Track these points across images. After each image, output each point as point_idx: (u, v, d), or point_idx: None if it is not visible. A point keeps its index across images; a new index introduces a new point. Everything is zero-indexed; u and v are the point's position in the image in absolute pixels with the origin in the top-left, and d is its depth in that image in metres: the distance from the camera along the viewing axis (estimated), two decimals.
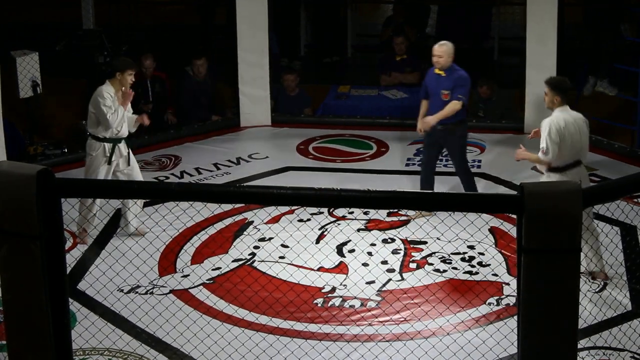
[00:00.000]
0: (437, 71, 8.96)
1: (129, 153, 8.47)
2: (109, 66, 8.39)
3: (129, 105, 8.47)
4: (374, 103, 11.66)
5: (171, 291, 7.62)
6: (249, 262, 8.07)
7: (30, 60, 10.12)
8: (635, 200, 8.99)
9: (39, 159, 10.10)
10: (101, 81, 10.98)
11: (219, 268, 7.97)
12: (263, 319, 7.20)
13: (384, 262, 8.03)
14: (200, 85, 11.35)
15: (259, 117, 11.31)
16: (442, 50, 8.90)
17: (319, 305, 7.42)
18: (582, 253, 7.65)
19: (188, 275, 7.88)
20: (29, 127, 10.44)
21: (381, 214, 8.67)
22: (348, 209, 8.76)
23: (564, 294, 4.67)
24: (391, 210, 8.68)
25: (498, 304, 7.39)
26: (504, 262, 8.00)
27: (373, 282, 7.69)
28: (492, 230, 8.53)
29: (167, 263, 8.06)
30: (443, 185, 9.31)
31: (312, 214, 8.79)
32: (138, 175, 8.57)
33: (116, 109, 8.28)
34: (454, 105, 8.80)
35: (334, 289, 7.64)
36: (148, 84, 11.11)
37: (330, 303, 7.44)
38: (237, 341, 6.77)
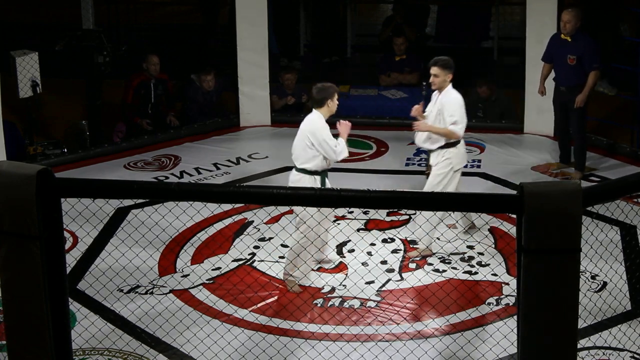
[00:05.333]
0: (563, 36, 9.43)
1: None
2: (315, 99, 7.72)
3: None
4: (374, 103, 11.66)
5: (171, 291, 7.62)
6: (248, 262, 8.07)
7: (30, 60, 10.13)
8: (635, 200, 8.99)
9: (38, 159, 10.10)
10: (100, 81, 11.14)
11: (218, 268, 7.97)
12: (263, 319, 7.21)
13: (384, 262, 8.03)
14: (205, 96, 11.36)
15: (259, 117, 11.32)
16: (571, 16, 9.37)
17: (319, 305, 7.42)
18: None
19: (188, 275, 7.88)
20: (28, 127, 10.45)
21: (381, 214, 8.67)
22: (348, 208, 8.76)
23: (564, 294, 4.67)
24: (391, 210, 8.68)
25: (498, 304, 7.39)
26: (504, 262, 8.00)
27: (372, 282, 7.69)
28: (492, 230, 8.53)
29: (167, 263, 8.06)
30: None
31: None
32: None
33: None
34: (595, 76, 9.38)
35: (333, 289, 7.63)
36: (151, 86, 11.11)
37: (330, 303, 7.44)
38: (237, 341, 6.77)
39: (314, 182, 7.60)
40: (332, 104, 7.75)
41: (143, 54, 11.26)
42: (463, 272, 7.86)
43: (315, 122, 7.64)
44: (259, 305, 7.37)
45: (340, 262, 8.04)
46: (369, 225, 8.67)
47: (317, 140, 7.54)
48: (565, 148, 9.95)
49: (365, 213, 8.80)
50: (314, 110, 7.75)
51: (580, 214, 4.64)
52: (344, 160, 10.27)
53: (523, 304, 4.71)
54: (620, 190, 5.25)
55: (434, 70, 8.07)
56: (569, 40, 9.44)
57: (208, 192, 5.07)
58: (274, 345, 6.79)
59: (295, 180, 7.64)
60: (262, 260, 8.07)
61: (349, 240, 8.35)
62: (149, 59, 11.10)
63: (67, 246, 8.06)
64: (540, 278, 4.65)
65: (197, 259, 8.17)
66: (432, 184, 8.10)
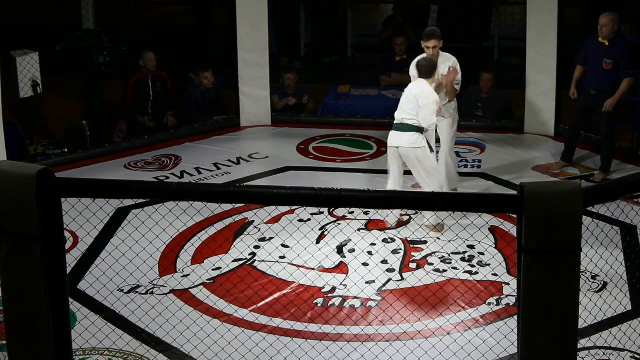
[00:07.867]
0: (600, 39, 9.37)
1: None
2: (424, 71, 8.44)
3: None
4: (374, 103, 11.66)
5: (171, 291, 7.62)
6: (249, 262, 8.07)
7: (30, 60, 10.12)
8: (635, 200, 8.99)
9: (39, 159, 10.10)
10: (100, 81, 11.14)
11: (219, 268, 7.97)
12: (263, 319, 7.21)
13: (384, 262, 8.03)
14: (204, 94, 11.36)
15: (259, 117, 11.31)
16: (608, 20, 9.34)
17: (319, 305, 7.42)
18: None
19: (188, 275, 7.88)
20: (29, 127, 10.44)
21: (381, 214, 8.66)
22: (348, 209, 8.76)
23: (564, 294, 4.67)
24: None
25: (498, 304, 7.40)
26: (504, 262, 8.00)
27: (373, 282, 7.69)
28: (492, 230, 8.53)
29: (167, 263, 8.06)
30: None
31: (312, 214, 8.79)
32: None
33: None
34: (628, 83, 9.37)
35: (334, 289, 7.64)
36: (149, 82, 11.10)
37: (330, 303, 7.45)
38: (237, 341, 6.77)
39: (423, 139, 8.34)
40: (436, 74, 8.51)
41: (141, 53, 11.25)
42: (463, 272, 7.86)
43: (427, 86, 8.39)
44: (259, 305, 7.37)
45: (340, 262, 8.05)
46: (370, 226, 8.67)
47: (424, 102, 8.29)
48: (571, 148, 9.91)
49: (365, 213, 8.80)
50: (420, 79, 8.44)
51: (580, 214, 4.64)
52: (344, 160, 10.39)
53: (523, 304, 4.71)
54: (620, 190, 5.25)
55: (433, 42, 8.67)
56: (606, 44, 9.36)
57: (208, 192, 5.07)
58: (274, 345, 6.79)
59: (413, 140, 8.31)
60: (263, 261, 8.07)
61: (350, 240, 8.35)
62: (145, 55, 11.08)
63: (67, 246, 8.06)
64: (540, 278, 4.64)
65: (197, 259, 8.17)
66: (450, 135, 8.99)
